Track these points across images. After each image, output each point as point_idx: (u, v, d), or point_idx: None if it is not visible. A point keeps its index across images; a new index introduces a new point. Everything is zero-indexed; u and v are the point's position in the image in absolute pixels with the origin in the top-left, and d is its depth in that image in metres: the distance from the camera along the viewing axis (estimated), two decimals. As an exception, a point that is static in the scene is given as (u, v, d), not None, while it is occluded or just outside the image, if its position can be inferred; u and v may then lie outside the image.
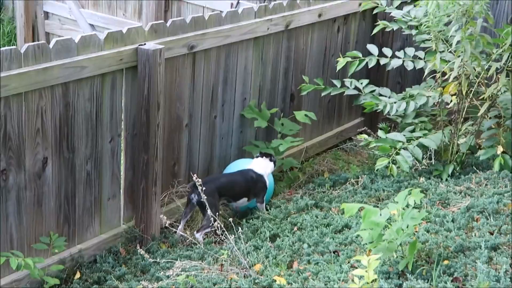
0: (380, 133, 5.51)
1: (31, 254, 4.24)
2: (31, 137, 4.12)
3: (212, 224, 4.51)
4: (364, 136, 5.64)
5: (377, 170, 5.70)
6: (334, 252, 4.55)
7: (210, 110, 5.30)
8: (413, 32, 5.89)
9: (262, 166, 5.29)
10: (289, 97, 6.04)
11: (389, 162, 5.24)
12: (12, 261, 3.93)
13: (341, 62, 5.75)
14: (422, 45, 5.83)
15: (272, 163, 5.36)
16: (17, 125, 4.03)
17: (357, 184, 5.63)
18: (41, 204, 4.26)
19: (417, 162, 5.67)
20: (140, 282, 4.18)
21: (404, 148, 5.31)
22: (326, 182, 5.75)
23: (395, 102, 5.73)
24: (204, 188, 4.53)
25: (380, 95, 6.02)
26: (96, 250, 4.61)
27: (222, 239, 4.63)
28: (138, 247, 4.46)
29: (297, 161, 5.96)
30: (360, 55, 5.78)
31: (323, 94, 5.95)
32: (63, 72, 4.17)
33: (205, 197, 4.49)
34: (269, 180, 5.35)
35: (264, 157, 5.34)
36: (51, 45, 4.12)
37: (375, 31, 5.96)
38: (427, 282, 3.99)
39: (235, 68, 5.41)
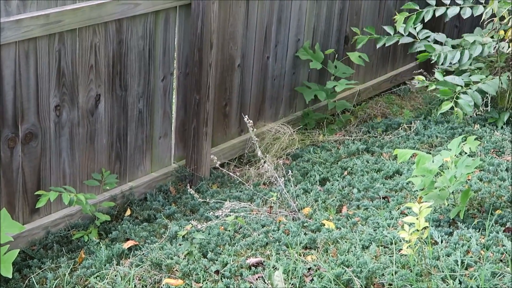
0: (437, 75, 5.37)
1: (83, 190, 4.29)
2: (85, 73, 4.13)
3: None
4: (421, 77, 5.52)
5: (429, 115, 5.60)
6: (384, 198, 4.52)
7: (263, 50, 5.23)
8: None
9: None
10: (343, 39, 5.93)
11: (452, 106, 5.11)
12: (64, 196, 3.98)
13: (399, 18, 5.57)
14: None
15: None
16: (71, 61, 4.04)
17: (410, 129, 5.55)
18: (94, 141, 4.30)
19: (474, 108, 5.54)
20: (190, 221, 4.21)
21: (463, 93, 5.19)
22: (378, 127, 5.68)
23: (449, 51, 5.57)
24: None
25: (436, 41, 5.86)
26: (146, 188, 4.64)
27: (272, 181, 4.62)
28: (188, 187, 4.48)
29: (350, 104, 5.89)
30: (417, 7, 5.59)
31: (378, 45, 5.82)
32: (117, 8, 4.14)
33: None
34: None
35: None
36: (105, -19, 4.09)
37: None
38: (478, 232, 3.95)
39: (289, 7, 5.32)
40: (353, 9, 5.90)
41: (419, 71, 6.34)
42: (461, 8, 5.61)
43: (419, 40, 5.82)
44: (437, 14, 5.62)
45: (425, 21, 5.66)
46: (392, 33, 5.83)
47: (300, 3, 5.39)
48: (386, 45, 5.83)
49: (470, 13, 5.59)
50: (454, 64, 5.54)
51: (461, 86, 5.20)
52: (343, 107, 5.77)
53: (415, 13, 5.60)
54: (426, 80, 5.63)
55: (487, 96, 5.54)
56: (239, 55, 5.04)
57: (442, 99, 5.38)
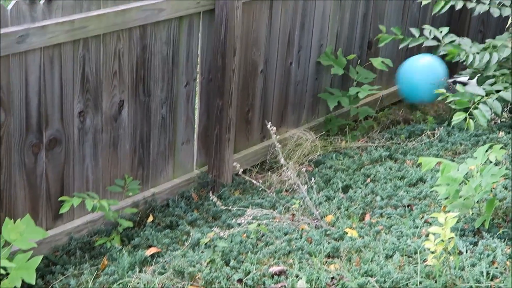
0: (458, 87, 5.34)
1: (106, 196, 4.30)
2: (109, 79, 4.13)
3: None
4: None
5: (453, 125, 5.55)
6: (407, 206, 4.48)
7: (286, 56, 5.22)
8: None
9: None
10: (367, 44, 5.90)
11: (466, 117, 5.07)
12: (87, 202, 3.98)
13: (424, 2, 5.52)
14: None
15: None
16: (95, 67, 4.04)
17: (433, 136, 5.51)
18: (117, 146, 4.30)
19: (496, 116, 5.49)
20: (212, 228, 4.20)
21: (483, 102, 5.14)
22: (401, 133, 5.65)
23: (477, 53, 5.52)
24: None
25: (460, 45, 5.80)
26: (169, 194, 4.64)
27: (294, 188, 4.60)
28: (210, 193, 4.47)
29: (372, 110, 5.85)
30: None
31: (401, 46, 5.77)
32: (141, 14, 4.14)
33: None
34: None
35: None
36: (129, -13, 4.09)
37: None
38: (504, 242, 3.90)
39: (312, 13, 5.30)
40: (376, 14, 5.87)
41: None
42: (489, 7, 5.55)
43: (443, 44, 5.77)
44: (468, 6, 5.55)
45: (456, 9, 5.59)
46: (417, 36, 5.79)
47: (324, 8, 5.37)
48: (410, 46, 5.77)
49: (498, 13, 5.54)
50: (482, 63, 5.48)
51: (482, 96, 5.15)
52: (366, 113, 5.73)
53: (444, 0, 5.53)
54: (449, 88, 5.58)
55: (511, 103, 5.49)
56: (262, 61, 5.03)
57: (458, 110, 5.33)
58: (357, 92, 5.52)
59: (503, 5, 5.59)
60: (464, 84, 5.29)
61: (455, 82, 5.55)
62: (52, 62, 3.84)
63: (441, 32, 5.78)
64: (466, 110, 4.90)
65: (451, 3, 5.53)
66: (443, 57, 5.70)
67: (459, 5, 5.53)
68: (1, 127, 3.71)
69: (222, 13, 4.52)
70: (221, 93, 4.67)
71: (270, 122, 4.68)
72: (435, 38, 5.79)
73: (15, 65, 3.69)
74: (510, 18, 5.29)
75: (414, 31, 5.81)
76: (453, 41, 5.80)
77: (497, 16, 5.60)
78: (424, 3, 5.55)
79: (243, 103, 4.99)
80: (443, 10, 5.55)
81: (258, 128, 5.17)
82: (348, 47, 5.72)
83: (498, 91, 5.23)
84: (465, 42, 5.84)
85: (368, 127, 5.77)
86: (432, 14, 5.64)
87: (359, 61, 5.81)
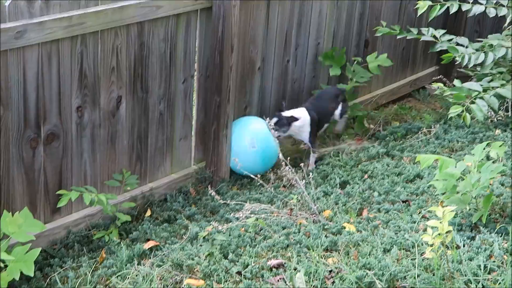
0: (456, 82, 5.35)
1: (104, 191, 4.30)
2: (106, 75, 4.14)
3: None
4: (439, 84, 5.50)
5: (450, 119, 5.56)
6: (405, 202, 4.50)
7: (283, 54, 5.24)
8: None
9: None
10: (363, 43, 5.92)
11: (462, 110, 5.09)
12: (85, 196, 3.99)
13: (422, 5, 5.54)
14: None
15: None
16: (93, 63, 4.05)
17: (430, 133, 5.53)
18: (115, 142, 4.31)
19: (493, 114, 5.51)
20: (210, 222, 4.21)
21: (480, 98, 5.16)
22: (398, 131, 5.67)
23: (473, 53, 5.54)
24: None
25: (458, 44, 5.83)
26: (166, 189, 4.65)
27: (292, 183, 4.61)
28: (209, 188, 4.47)
29: (369, 109, 5.87)
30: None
31: (398, 36, 5.79)
32: (139, 11, 4.15)
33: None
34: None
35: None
36: (127, -17, 4.11)
37: None
38: (501, 236, 3.91)
39: (309, 12, 5.32)
40: (373, 14, 5.89)
41: (438, 76, 6.31)
42: (486, 7, 5.57)
43: (440, 41, 5.79)
44: (463, 9, 5.57)
45: (451, 12, 5.61)
46: (415, 33, 5.81)
47: (321, 7, 5.39)
48: (408, 38, 5.78)
49: (494, 12, 5.55)
50: (477, 66, 5.49)
51: (478, 92, 5.16)
52: (361, 111, 5.75)
53: (439, 3, 5.56)
54: (446, 86, 5.60)
55: (507, 101, 5.51)
56: (259, 58, 5.05)
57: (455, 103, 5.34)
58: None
59: (501, 4, 5.61)
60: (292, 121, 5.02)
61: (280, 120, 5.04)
62: (50, 57, 3.85)
63: (438, 32, 5.80)
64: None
65: (447, 4, 5.55)
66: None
67: (454, 8, 5.55)
68: (-1, 121, 3.73)
69: (220, 11, 4.54)
70: (219, 90, 4.68)
71: (268, 119, 4.69)
72: (432, 36, 5.81)
73: (13, 60, 3.70)
74: (508, 18, 5.31)
75: (413, 30, 5.83)
76: (451, 39, 5.83)
77: (493, 16, 5.63)
78: (420, 12, 5.58)
79: (241, 100, 5.01)
80: (439, 13, 5.57)
81: (256, 125, 5.18)
82: (345, 45, 5.74)
83: (495, 88, 5.25)
84: (463, 41, 5.86)
85: (364, 125, 5.78)
86: (429, 20, 5.66)
87: (354, 60, 5.82)
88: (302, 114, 5.06)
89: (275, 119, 4.97)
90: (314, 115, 5.10)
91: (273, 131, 4.86)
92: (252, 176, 4.60)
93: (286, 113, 5.02)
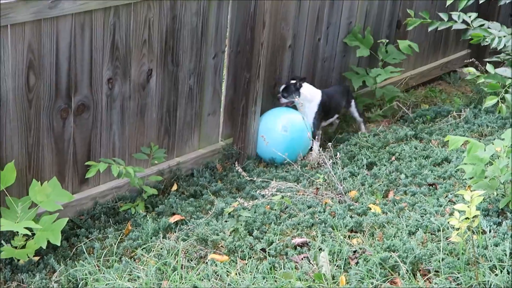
0: (488, 67, 5.29)
1: (132, 164, 4.33)
2: (138, 48, 4.15)
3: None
4: (472, 69, 5.43)
5: (480, 103, 5.51)
6: (431, 185, 4.48)
7: (315, 32, 5.20)
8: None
9: None
10: (396, 23, 5.87)
11: (498, 101, 5.03)
12: (113, 168, 4.02)
13: None
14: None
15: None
16: (125, 35, 4.06)
17: (459, 117, 5.49)
18: (144, 115, 4.32)
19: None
20: (236, 199, 4.22)
21: None
22: (427, 114, 5.62)
23: (504, 36, 5.46)
24: None
25: (490, 29, 5.74)
26: (193, 164, 4.66)
27: (319, 163, 4.60)
28: (235, 164, 4.48)
29: (399, 90, 5.83)
30: None
31: (430, 28, 5.73)
32: (172, -16, 4.16)
33: None
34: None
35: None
36: (162, -44, 4.10)
37: None
38: (528, 223, 3.89)
39: (342, -10, 5.28)
40: (406, -6, 5.83)
41: (470, 60, 6.24)
42: None
43: (472, 28, 5.71)
44: None
45: (480, 2, 5.53)
46: (446, 20, 5.73)
47: (354, -14, 5.35)
48: (439, 29, 5.72)
49: None
50: (509, 46, 5.41)
51: None
52: (391, 93, 5.71)
53: None
54: (477, 70, 5.52)
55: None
56: (290, 36, 5.02)
57: (489, 93, 5.28)
58: (377, 76, 5.49)
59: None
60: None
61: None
62: (83, 28, 3.86)
63: (470, 16, 5.72)
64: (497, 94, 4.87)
65: None
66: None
67: None
68: (31, 91, 3.74)
69: (253, -14, 4.52)
70: (249, 66, 4.67)
71: (297, 97, 4.67)
72: (464, 22, 5.73)
73: (47, 30, 3.71)
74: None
75: (443, 16, 5.75)
76: (482, 25, 5.74)
77: (527, 4, 5.54)
78: (448, 3, 5.49)
79: (270, 77, 4.99)
80: (469, 3, 5.48)
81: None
82: (377, 25, 5.69)
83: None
84: (494, 26, 5.78)
85: (394, 107, 5.75)
86: (459, 10, 5.58)
87: (387, 41, 5.77)
88: (316, 92, 5.04)
89: (283, 86, 4.96)
90: (326, 100, 5.08)
91: (282, 99, 4.88)
92: (279, 154, 4.60)
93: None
